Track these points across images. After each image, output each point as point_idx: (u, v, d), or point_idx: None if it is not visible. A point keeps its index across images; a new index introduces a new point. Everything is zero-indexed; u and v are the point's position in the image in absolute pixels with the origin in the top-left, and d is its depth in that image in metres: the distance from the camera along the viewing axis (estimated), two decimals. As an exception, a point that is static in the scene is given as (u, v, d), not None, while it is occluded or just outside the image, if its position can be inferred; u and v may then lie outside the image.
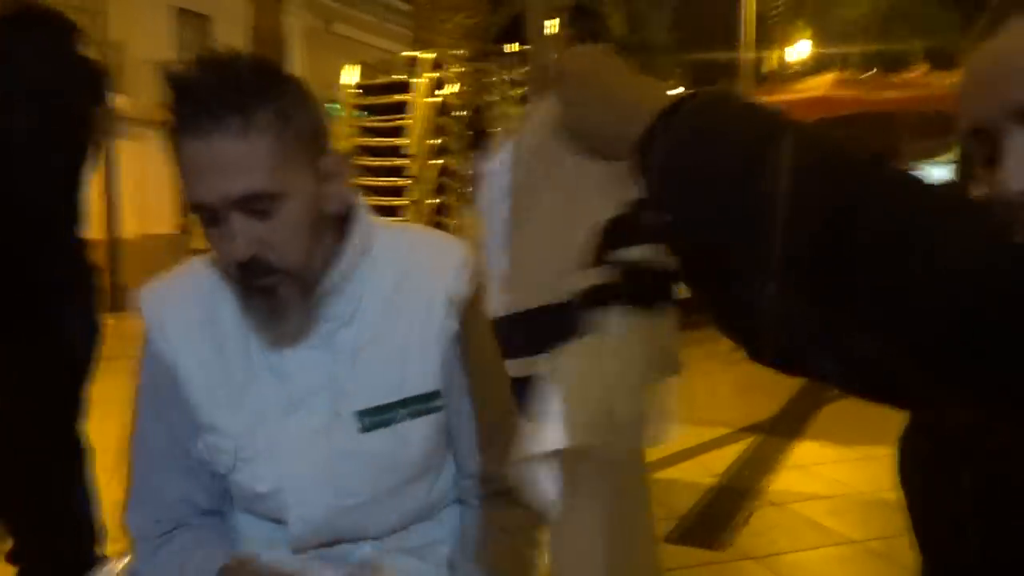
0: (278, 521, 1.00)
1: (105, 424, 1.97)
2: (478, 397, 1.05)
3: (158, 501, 1.03)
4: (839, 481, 3.47)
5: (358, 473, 0.98)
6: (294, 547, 1.00)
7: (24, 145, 1.73)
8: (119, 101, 13.19)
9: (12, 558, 2.10)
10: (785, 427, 4.39)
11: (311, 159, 0.92)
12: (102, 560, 1.96)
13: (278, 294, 0.91)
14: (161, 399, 1.02)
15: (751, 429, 4.35)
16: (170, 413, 1.01)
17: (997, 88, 0.57)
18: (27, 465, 1.93)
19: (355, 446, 0.97)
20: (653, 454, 3.81)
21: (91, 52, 1.98)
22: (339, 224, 0.98)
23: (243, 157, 0.85)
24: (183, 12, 18.14)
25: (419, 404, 0.99)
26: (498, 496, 1.05)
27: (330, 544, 1.00)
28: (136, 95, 16.51)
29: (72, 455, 2.03)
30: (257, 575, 0.95)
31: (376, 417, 0.97)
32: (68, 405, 2.00)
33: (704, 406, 5.29)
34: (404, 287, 1.00)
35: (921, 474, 0.71)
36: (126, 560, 1.08)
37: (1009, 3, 0.57)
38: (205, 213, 0.88)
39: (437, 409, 1.01)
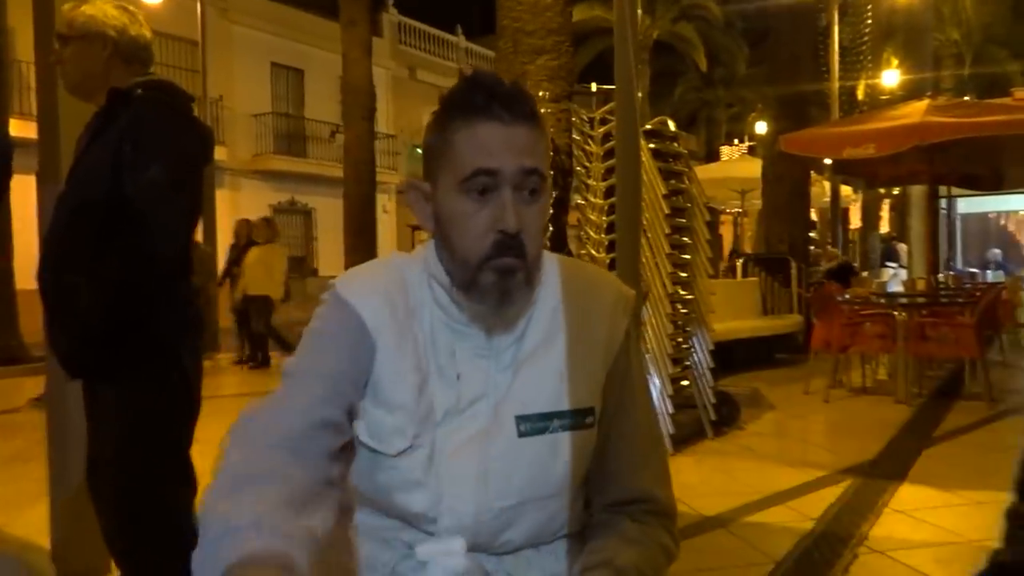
0: (409, 523, 1.03)
1: (196, 461, 2.07)
2: (635, 421, 1.11)
3: (285, 422, 0.96)
4: (945, 528, 3.27)
5: (511, 476, 1.02)
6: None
7: (161, 196, 1.92)
8: (218, 152, 13.88)
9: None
10: (886, 469, 4.19)
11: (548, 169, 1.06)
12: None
13: (515, 278, 1.00)
14: (349, 352, 1.02)
15: (850, 471, 4.16)
16: (351, 371, 1.02)
17: None
18: (149, 493, 2.05)
19: (512, 449, 1.02)
20: (745, 496, 3.70)
21: (195, 109, 2.20)
22: None
23: (533, 142, 1.01)
24: (277, 67, 19.06)
25: (574, 418, 1.05)
26: (649, 515, 1.09)
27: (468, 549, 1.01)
28: (234, 146, 17.40)
29: (188, 489, 2.14)
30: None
31: (534, 424, 1.03)
32: (184, 439, 2.13)
33: (798, 448, 5.12)
34: (567, 308, 1.09)
35: None
36: None
37: None
38: (487, 179, 0.99)
39: (590, 426, 1.06)
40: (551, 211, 4.91)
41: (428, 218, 1.05)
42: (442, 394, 1.03)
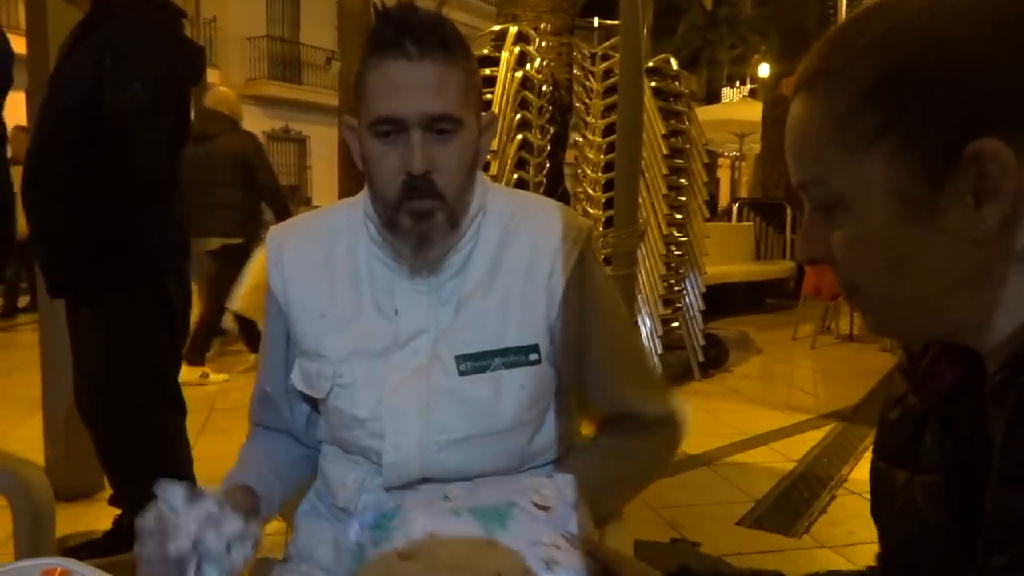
0: (367, 457, 1.05)
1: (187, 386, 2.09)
2: (608, 346, 1.09)
3: (254, 409, 1.18)
4: (924, 473, 3.35)
5: (453, 412, 1.02)
6: (387, 479, 1.03)
7: (141, 113, 1.88)
8: (211, 76, 13.61)
9: (115, 502, 2.23)
10: (867, 416, 4.26)
11: (478, 107, 1.03)
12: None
13: (433, 219, 0.99)
14: (269, 325, 1.14)
15: (832, 416, 4.24)
16: (274, 337, 1.13)
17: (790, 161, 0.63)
18: (134, 416, 2.05)
19: (452, 386, 1.02)
20: (729, 437, 3.77)
21: (188, 30, 2.12)
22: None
23: (442, 81, 0.96)
24: (273, -12, 18.61)
25: (516, 356, 1.03)
26: (642, 428, 1.10)
27: (420, 482, 1.03)
28: (227, 70, 17.06)
29: (175, 409, 2.15)
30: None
31: (474, 363, 1.02)
32: (170, 362, 2.12)
33: (783, 392, 5.19)
34: (510, 244, 1.07)
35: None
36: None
37: (804, 72, 0.61)
38: (390, 126, 0.97)
39: (535, 363, 1.04)
40: (547, 148, 4.87)
41: (358, 156, 1.04)
42: (380, 330, 1.04)
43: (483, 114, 1.05)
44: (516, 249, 1.06)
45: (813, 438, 3.81)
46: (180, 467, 2.12)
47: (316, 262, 1.08)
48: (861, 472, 3.33)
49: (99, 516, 2.50)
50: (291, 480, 1.14)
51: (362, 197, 1.09)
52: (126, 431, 2.07)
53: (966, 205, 0.54)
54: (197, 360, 4.75)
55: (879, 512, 0.72)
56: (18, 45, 2.88)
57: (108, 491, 2.22)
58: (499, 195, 1.11)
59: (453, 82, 0.97)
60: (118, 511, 2.28)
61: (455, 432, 1.02)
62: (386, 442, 1.02)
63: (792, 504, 2.96)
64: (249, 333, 4.97)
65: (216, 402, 4.22)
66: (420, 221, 0.99)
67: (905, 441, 0.68)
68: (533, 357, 1.04)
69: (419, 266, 1.03)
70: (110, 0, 1.97)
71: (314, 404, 1.13)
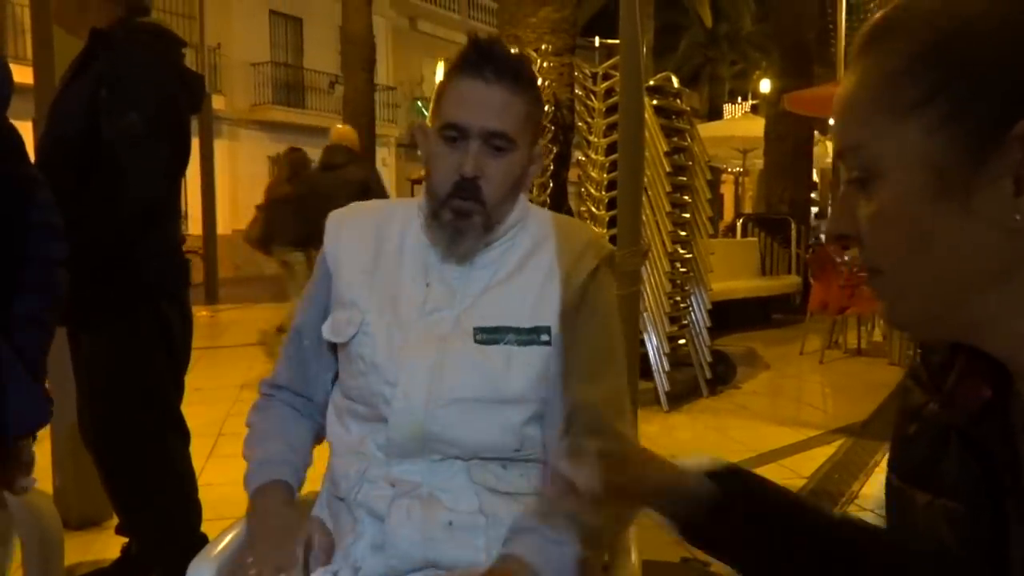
0: (374, 407, 1.12)
1: (200, 409, 2.07)
2: (590, 347, 1.17)
3: (276, 379, 1.30)
4: (936, 487, 3.32)
5: (464, 373, 1.11)
6: (391, 428, 1.10)
7: (138, 142, 1.89)
8: (216, 101, 13.73)
9: (122, 531, 2.22)
10: (877, 430, 4.23)
11: (533, 137, 1.19)
12: (204, 538, 2.05)
13: (470, 219, 1.13)
14: (313, 282, 1.27)
15: (841, 431, 4.21)
16: (315, 295, 1.25)
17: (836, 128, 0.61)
18: (134, 441, 2.05)
19: (467, 350, 1.12)
20: (739, 454, 3.75)
21: (190, 56, 2.14)
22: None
23: (507, 106, 1.13)
24: (276, 15, 18.73)
25: (528, 335, 1.13)
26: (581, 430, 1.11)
27: (420, 449, 1.09)
28: (232, 96, 17.19)
29: (178, 436, 2.14)
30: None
31: (489, 334, 1.13)
32: (170, 390, 2.12)
33: (791, 407, 5.16)
34: (540, 249, 1.19)
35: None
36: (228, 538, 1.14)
37: (863, 34, 0.59)
38: (455, 132, 1.12)
39: (545, 343, 1.13)
40: (551, 167, 4.88)
41: (425, 155, 1.18)
42: (410, 295, 1.16)
43: (537, 145, 1.20)
44: (544, 252, 1.19)
45: (823, 454, 3.79)
46: (183, 493, 2.11)
47: (368, 233, 1.22)
48: (872, 488, 3.31)
49: (108, 544, 2.49)
50: (307, 456, 1.27)
51: (419, 195, 1.25)
52: (127, 456, 2.06)
53: (1004, 190, 0.51)
54: None
55: (895, 532, 0.69)
56: (25, 75, 2.92)
57: (116, 519, 2.21)
58: (539, 213, 1.25)
59: (515, 110, 1.13)
60: (126, 540, 2.28)
61: (462, 391, 1.10)
62: (397, 389, 1.10)
63: (803, 521, 2.94)
64: None
65: (224, 427, 4.22)
66: (459, 218, 1.13)
67: (925, 459, 0.64)
68: (544, 338, 1.13)
69: (451, 255, 1.16)
70: (109, 30, 1.99)
71: (335, 363, 1.23)
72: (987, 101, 0.51)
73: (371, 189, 5.51)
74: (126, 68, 1.93)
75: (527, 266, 1.18)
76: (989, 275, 0.54)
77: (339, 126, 6.41)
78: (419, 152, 1.21)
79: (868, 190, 0.58)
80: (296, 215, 5.65)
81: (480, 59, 1.12)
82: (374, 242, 1.22)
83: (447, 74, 1.15)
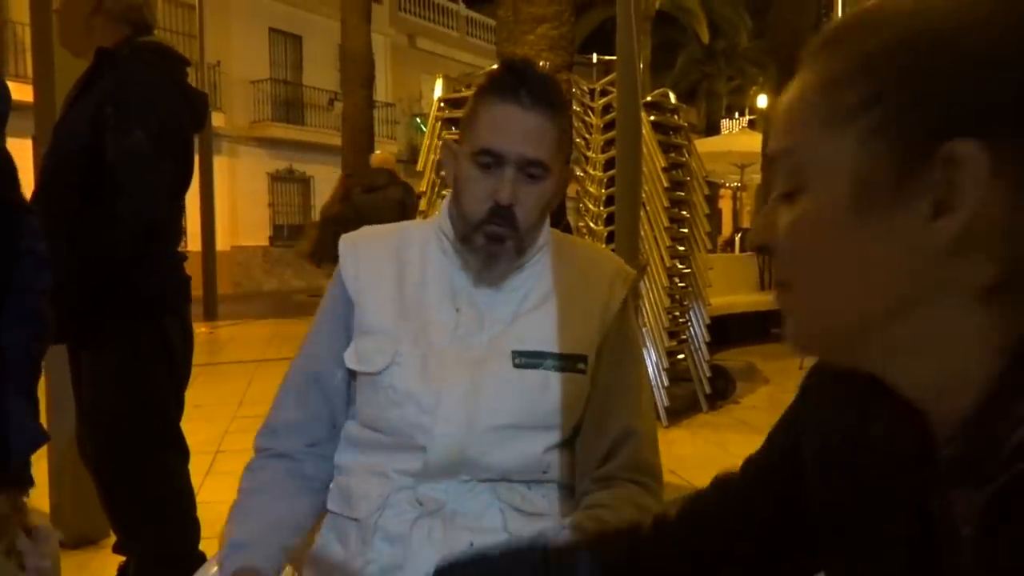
0: (410, 437, 1.09)
1: (198, 426, 2.06)
2: (623, 384, 1.17)
3: (276, 421, 1.21)
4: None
5: (503, 396, 1.10)
6: (431, 455, 1.08)
7: (140, 162, 1.90)
8: (215, 118, 13.78)
9: (119, 549, 2.21)
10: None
11: (565, 159, 1.18)
12: (202, 556, 2.04)
13: (504, 244, 1.12)
14: (327, 310, 1.22)
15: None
16: (332, 323, 1.20)
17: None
18: (134, 458, 2.04)
19: (506, 374, 1.11)
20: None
21: (190, 74, 2.16)
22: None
23: (543, 132, 1.11)
24: (275, 32, 18.83)
25: (566, 361, 1.13)
26: (621, 477, 1.12)
27: (455, 473, 1.09)
28: (231, 113, 17.26)
29: (177, 453, 2.14)
30: None
31: (528, 359, 1.12)
32: (171, 406, 2.12)
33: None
34: (568, 273, 1.19)
35: None
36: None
37: (812, 43, 0.56)
38: (491, 158, 1.10)
39: (582, 372, 1.14)
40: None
41: (451, 174, 1.16)
42: (442, 321, 1.14)
43: (566, 168, 1.19)
44: (574, 278, 1.19)
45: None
46: (182, 510, 2.11)
47: (388, 258, 1.20)
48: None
49: (105, 564, 2.48)
50: (294, 530, 1.14)
51: (431, 218, 1.24)
52: (126, 473, 2.06)
53: (922, 212, 0.48)
54: None
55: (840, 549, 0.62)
56: (25, 94, 2.94)
57: (114, 538, 2.20)
58: (557, 234, 1.25)
59: (551, 136, 1.12)
60: (123, 559, 2.26)
61: (501, 417, 1.09)
62: (437, 417, 1.09)
63: (804, 536, 2.92)
64: None
65: (223, 444, 4.20)
66: (492, 243, 1.12)
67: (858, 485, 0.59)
68: (580, 367, 1.14)
69: (483, 280, 1.15)
70: (114, 49, 2.01)
71: (351, 399, 1.19)
72: (922, 113, 0.48)
73: (408, 208, 6.01)
74: (131, 87, 1.95)
75: (558, 292, 1.17)
76: (900, 301, 0.50)
77: (377, 152, 7.23)
78: (442, 172, 1.20)
79: (792, 199, 0.54)
80: (343, 233, 5.98)
81: (516, 82, 1.10)
82: (395, 267, 1.19)
83: (479, 95, 1.14)
